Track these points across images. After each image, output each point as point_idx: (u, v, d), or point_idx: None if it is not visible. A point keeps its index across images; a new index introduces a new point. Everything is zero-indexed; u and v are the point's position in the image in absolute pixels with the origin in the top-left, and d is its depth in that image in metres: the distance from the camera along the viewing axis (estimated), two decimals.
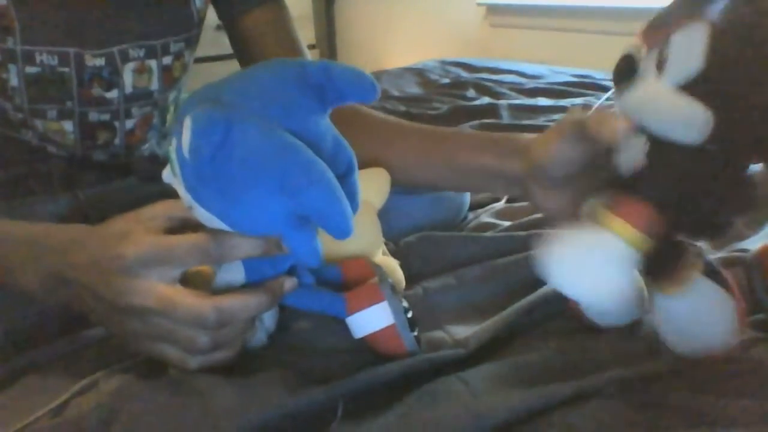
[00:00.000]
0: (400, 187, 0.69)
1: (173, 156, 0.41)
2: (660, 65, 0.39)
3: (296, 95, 0.40)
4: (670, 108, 0.38)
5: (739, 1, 0.37)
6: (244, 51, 0.80)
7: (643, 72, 0.40)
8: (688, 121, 0.38)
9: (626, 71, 0.41)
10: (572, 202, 0.53)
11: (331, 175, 0.38)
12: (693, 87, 0.38)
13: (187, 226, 0.45)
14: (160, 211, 0.45)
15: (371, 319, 0.46)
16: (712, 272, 0.43)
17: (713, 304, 0.43)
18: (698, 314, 0.43)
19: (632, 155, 0.42)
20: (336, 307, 0.47)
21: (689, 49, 0.38)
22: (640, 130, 0.41)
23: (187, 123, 0.38)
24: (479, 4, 2.37)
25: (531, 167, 0.55)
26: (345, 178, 0.42)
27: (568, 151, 0.51)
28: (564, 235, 0.40)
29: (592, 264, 0.38)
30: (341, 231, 0.38)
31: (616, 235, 0.39)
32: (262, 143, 0.38)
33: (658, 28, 0.40)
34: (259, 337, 0.50)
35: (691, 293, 0.42)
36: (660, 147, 0.40)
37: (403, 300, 0.48)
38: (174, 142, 0.41)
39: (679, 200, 0.40)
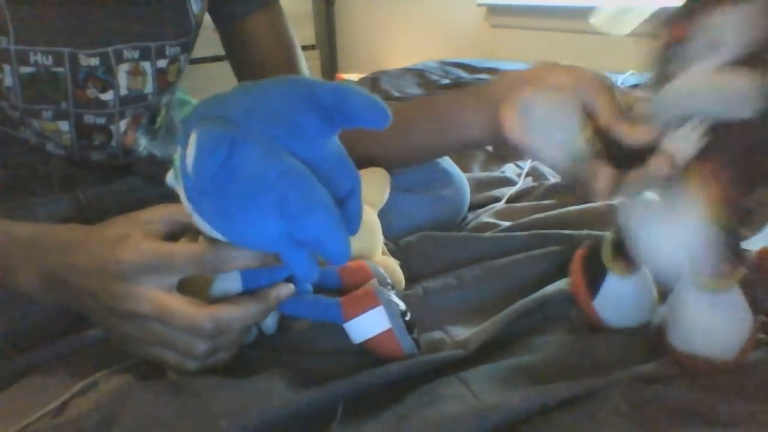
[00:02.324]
0: (390, 170, 0.69)
1: (177, 164, 0.41)
2: (704, 50, 0.39)
3: (304, 116, 0.39)
4: (728, 86, 0.39)
5: None
6: (239, 55, 0.80)
7: (683, 60, 0.40)
8: (748, 94, 0.38)
9: (665, 62, 0.41)
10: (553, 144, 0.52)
11: (330, 203, 0.38)
12: (743, 63, 0.38)
13: (187, 230, 0.45)
14: (159, 214, 0.45)
15: (368, 324, 0.46)
16: (746, 282, 0.44)
17: (736, 316, 0.43)
18: (718, 322, 0.43)
19: (686, 143, 0.42)
20: (332, 314, 0.47)
21: (736, 30, 0.38)
22: (688, 117, 0.41)
23: (193, 138, 0.38)
24: (479, 5, 2.36)
25: (521, 85, 0.54)
26: (346, 201, 0.42)
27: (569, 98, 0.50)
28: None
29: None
30: (337, 258, 0.39)
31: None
32: (264, 166, 0.38)
33: (688, 18, 0.41)
34: (252, 333, 0.50)
35: (722, 298, 0.43)
36: (720, 127, 0.40)
37: (400, 303, 0.48)
38: (179, 150, 0.41)
39: (754, 170, 0.41)
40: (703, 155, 0.41)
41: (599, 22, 0.44)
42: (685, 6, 0.42)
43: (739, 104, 0.39)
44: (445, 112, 0.65)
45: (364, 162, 0.65)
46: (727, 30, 0.39)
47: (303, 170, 0.39)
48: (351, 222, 0.42)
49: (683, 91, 0.40)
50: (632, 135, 0.45)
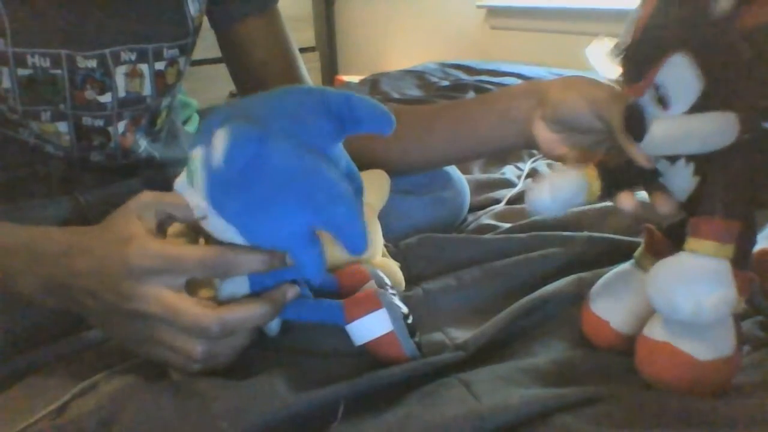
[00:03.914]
0: (403, 172, 0.70)
1: (196, 166, 0.42)
2: (662, 102, 0.41)
3: (317, 121, 0.42)
4: (695, 129, 0.40)
5: (707, 26, 0.38)
6: (237, 58, 0.80)
7: (650, 114, 0.42)
8: (717, 131, 0.40)
9: (637, 118, 0.43)
10: (578, 153, 0.55)
11: (352, 194, 0.41)
12: (702, 105, 0.40)
13: (172, 220, 0.45)
14: (147, 203, 0.45)
15: (370, 327, 0.47)
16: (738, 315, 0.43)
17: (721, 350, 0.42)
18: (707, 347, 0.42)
19: (682, 180, 0.45)
20: (335, 315, 0.47)
21: (682, 81, 0.40)
22: (676, 156, 0.44)
23: (222, 134, 0.39)
24: (479, 6, 2.36)
25: (544, 105, 0.57)
26: None
27: (587, 119, 0.53)
28: (664, 262, 0.41)
29: (697, 286, 0.40)
30: (357, 247, 0.40)
31: (705, 254, 0.41)
32: (292, 160, 0.40)
33: (636, 75, 0.43)
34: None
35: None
36: (704, 161, 0.42)
37: (403, 306, 0.48)
38: (200, 152, 0.42)
39: (745, 193, 0.42)
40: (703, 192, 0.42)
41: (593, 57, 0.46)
42: (629, 67, 0.44)
43: (714, 139, 0.40)
44: (471, 124, 0.66)
45: (379, 165, 0.66)
46: (675, 86, 0.40)
47: (328, 165, 0.41)
48: None
49: (660, 141, 0.42)
50: (637, 157, 0.46)
